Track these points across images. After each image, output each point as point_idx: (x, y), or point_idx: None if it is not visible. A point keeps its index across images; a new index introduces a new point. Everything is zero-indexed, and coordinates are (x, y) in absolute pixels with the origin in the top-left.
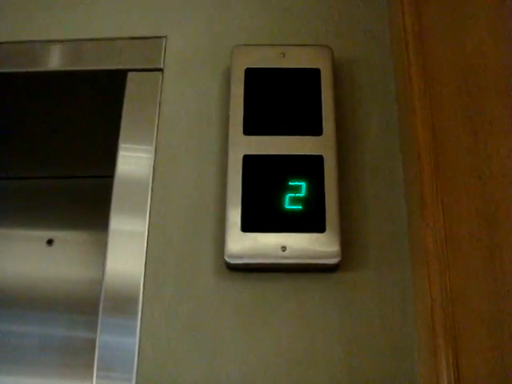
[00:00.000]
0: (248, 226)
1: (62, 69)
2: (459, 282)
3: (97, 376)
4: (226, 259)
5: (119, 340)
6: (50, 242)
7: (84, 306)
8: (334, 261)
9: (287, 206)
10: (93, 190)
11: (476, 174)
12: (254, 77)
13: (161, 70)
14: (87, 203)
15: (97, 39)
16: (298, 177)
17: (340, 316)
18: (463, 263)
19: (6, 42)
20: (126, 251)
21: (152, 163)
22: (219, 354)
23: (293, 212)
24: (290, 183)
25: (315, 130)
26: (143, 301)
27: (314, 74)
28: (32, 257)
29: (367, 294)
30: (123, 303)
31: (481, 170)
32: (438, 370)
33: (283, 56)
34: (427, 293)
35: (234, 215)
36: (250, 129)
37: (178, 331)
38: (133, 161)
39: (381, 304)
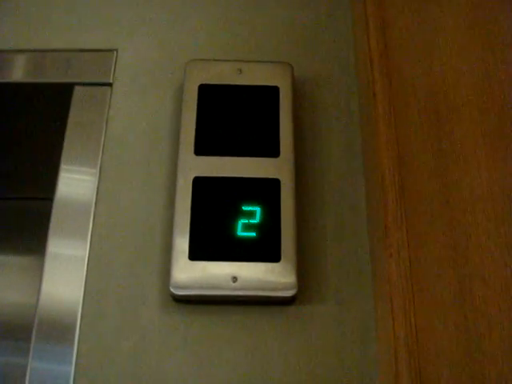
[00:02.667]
0: (196, 254)
1: (3, 81)
2: (425, 319)
3: None
4: (172, 290)
5: (53, 367)
6: None
7: (23, 333)
8: (289, 293)
9: (239, 232)
10: (37, 212)
11: (444, 199)
12: (208, 94)
13: (110, 84)
14: (31, 226)
15: (43, 50)
16: (253, 202)
17: (296, 353)
18: (430, 298)
19: None
20: (64, 276)
21: (96, 185)
22: None
23: (245, 240)
24: (244, 208)
25: (272, 151)
26: (80, 331)
27: (273, 92)
28: None
29: (326, 330)
30: (58, 331)
31: (449, 195)
32: None
33: (240, 72)
34: (390, 330)
35: (182, 242)
36: (201, 149)
37: (118, 368)
38: (75, 182)
39: (340, 341)
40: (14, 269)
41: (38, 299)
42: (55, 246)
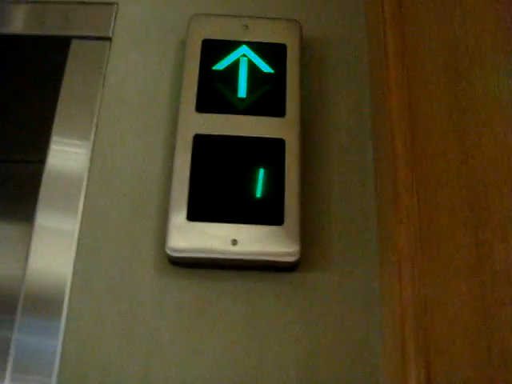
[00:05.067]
0: (194, 214)
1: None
2: (436, 287)
3: (12, 378)
4: (168, 252)
5: (39, 341)
6: None
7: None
8: (291, 259)
9: (241, 193)
10: (27, 176)
11: (462, 157)
12: (211, 49)
13: (109, 38)
14: (19, 191)
15: (41, 2)
16: (256, 162)
17: (297, 322)
18: (442, 264)
19: None
20: (53, 244)
21: (90, 146)
22: (156, 359)
23: (247, 201)
24: (246, 168)
25: (277, 110)
26: (70, 298)
27: (280, 49)
28: None
29: (328, 298)
30: (46, 302)
31: (468, 153)
32: None
33: (246, 28)
34: (397, 298)
35: (180, 202)
36: (203, 105)
37: (108, 332)
38: (67, 147)
39: (343, 309)
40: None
41: (24, 272)
42: (44, 218)
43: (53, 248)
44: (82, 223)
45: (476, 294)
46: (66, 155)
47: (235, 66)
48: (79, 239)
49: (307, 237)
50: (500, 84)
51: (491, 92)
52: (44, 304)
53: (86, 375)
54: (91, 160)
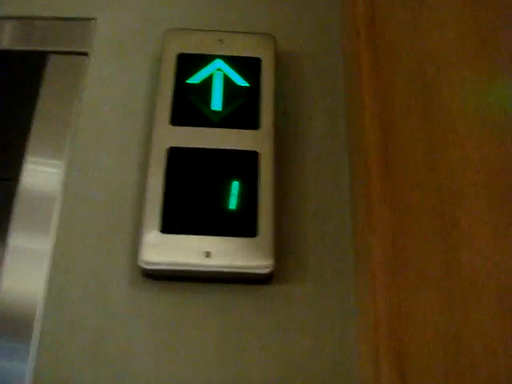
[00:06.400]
0: (168, 226)
1: None
2: (409, 296)
3: None
4: (141, 265)
5: (10, 364)
6: None
7: None
8: (266, 271)
9: (215, 206)
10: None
11: (431, 165)
12: (186, 63)
13: (86, 53)
14: None
15: (17, 17)
16: (229, 174)
17: (272, 334)
18: (414, 273)
19: None
20: (26, 263)
21: (67, 160)
22: (131, 374)
23: (221, 213)
24: (220, 181)
25: (251, 123)
26: (44, 316)
27: (254, 63)
28: None
29: (304, 310)
30: (18, 322)
31: (436, 162)
32: None
33: (221, 42)
34: (371, 308)
35: (153, 214)
36: (178, 118)
37: (82, 348)
38: (41, 166)
39: (319, 321)
40: None
41: None
42: (17, 238)
43: (26, 268)
44: (56, 240)
45: (444, 301)
46: (40, 173)
47: (210, 79)
48: (53, 257)
49: (282, 249)
50: (465, 92)
51: (457, 100)
52: (16, 325)
53: None
54: (66, 174)
